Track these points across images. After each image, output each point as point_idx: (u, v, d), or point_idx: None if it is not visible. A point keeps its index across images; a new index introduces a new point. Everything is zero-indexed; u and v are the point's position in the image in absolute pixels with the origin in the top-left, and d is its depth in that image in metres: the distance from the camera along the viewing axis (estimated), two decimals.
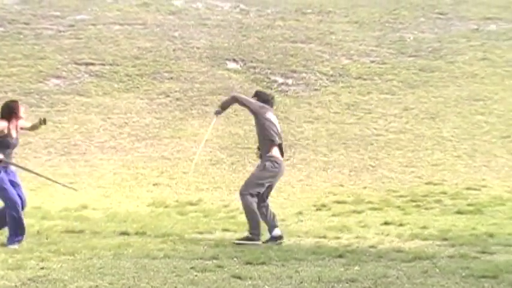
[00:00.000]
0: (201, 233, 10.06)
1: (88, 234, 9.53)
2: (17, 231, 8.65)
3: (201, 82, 20.28)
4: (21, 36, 22.87)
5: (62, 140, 16.73)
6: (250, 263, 7.59)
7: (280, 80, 20.87)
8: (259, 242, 9.19)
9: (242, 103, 9.72)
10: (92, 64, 21.13)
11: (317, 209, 13.21)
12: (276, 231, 9.44)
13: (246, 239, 9.26)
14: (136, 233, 9.78)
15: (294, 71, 21.32)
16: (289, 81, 20.84)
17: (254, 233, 9.26)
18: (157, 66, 21.12)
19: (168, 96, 19.43)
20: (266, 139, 9.44)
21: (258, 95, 9.99)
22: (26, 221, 10.19)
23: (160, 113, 18.48)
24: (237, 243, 9.08)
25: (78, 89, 19.60)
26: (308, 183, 15.16)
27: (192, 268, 7.20)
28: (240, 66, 21.56)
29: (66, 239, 8.94)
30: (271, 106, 9.93)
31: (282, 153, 9.68)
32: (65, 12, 25.03)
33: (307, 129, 17.93)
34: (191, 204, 13.12)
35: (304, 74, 21.19)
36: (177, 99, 19.28)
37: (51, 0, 26.12)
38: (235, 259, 7.82)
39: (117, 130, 17.39)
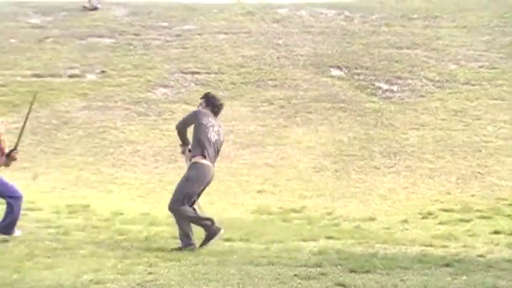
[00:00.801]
0: (304, 240, 9.96)
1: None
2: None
3: (304, 89, 20.24)
4: (131, 47, 23.45)
5: (169, 148, 16.97)
6: (354, 271, 7.47)
7: (385, 86, 20.60)
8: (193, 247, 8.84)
9: (185, 125, 9.27)
10: (198, 73, 21.43)
11: (423, 217, 12.90)
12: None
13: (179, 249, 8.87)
14: (241, 240, 9.77)
15: (399, 77, 21.02)
16: (394, 87, 20.55)
17: (187, 243, 8.88)
18: (262, 74, 21.21)
19: (272, 103, 19.47)
20: (196, 144, 9.02)
21: (206, 97, 9.49)
22: (135, 227, 10.45)
23: (264, 120, 18.53)
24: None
25: (185, 98, 19.89)
26: (413, 191, 14.86)
27: (295, 275, 7.15)
28: (344, 73, 21.40)
29: (173, 245, 9.01)
30: (216, 111, 9.42)
31: (214, 156, 9.20)
32: (173, 22, 25.52)
33: (412, 136, 17.61)
34: (295, 211, 13.05)
35: (409, 80, 20.86)
36: (281, 106, 19.30)
37: (159, 11, 26.69)
38: (339, 267, 7.72)
39: None
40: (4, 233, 9.03)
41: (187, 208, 8.90)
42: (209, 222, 9.03)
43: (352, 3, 27.39)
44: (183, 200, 8.89)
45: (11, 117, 18.84)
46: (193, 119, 9.18)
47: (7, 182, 9.27)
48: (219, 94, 10.42)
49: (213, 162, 9.09)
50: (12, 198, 9.14)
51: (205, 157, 8.96)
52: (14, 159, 9.32)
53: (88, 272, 6.96)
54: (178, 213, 8.91)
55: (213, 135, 9.06)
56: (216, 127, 9.15)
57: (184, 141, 9.29)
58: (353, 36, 24.00)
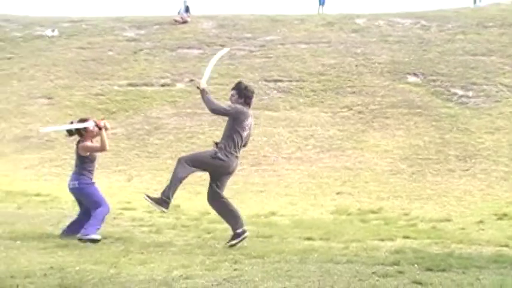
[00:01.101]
0: (382, 239, 9.83)
1: (276, 239, 9.57)
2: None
3: (382, 96, 20.04)
4: None
5: (253, 152, 17.05)
6: (430, 270, 7.33)
7: (461, 92, 20.21)
8: (165, 210, 8.70)
9: (217, 113, 9.33)
10: (280, 81, 21.47)
11: (498, 218, 12.55)
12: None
13: (156, 200, 8.65)
14: (321, 239, 9.71)
15: (474, 83, 20.60)
16: (470, 93, 20.14)
17: (166, 199, 8.64)
18: (341, 82, 21.12)
19: (351, 109, 19.35)
20: (229, 138, 8.76)
21: (239, 89, 9.10)
22: (221, 226, 10.49)
23: (343, 125, 18.43)
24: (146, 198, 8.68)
25: (268, 104, 19.95)
26: (489, 193, 14.50)
27: (373, 273, 7.06)
28: (421, 79, 21.11)
29: (257, 243, 9.02)
30: (249, 102, 9.04)
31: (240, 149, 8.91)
32: (256, 33, 25.66)
33: (487, 140, 17.21)
34: (372, 212, 12.92)
35: (484, 86, 20.42)
36: (359, 112, 19.16)
37: (244, 23, 26.88)
38: (415, 265, 7.58)
39: (303, 142, 17.52)
40: (84, 234, 8.55)
41: (187, 169, 8.78)
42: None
43: (428, 13, 27.03)
44: (191, 163, 8.80)
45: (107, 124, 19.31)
46: (229, 114, 8.89)
47: (98, 192, 8.98)
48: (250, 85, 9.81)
49: (238, 156, 8.88)
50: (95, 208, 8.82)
51: (232, 153, 8.77)
52: (105, 128, 9.15)
53: (178, 267, 7.03)
54: (179, 166, 8.77)
55: (245, 132, 8.86)
56: (248, 121, 8.86)
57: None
58: (429, 44, 23.67)
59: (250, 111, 9.00)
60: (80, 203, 9.07)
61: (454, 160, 16.17)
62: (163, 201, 8.61)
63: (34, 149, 17.91)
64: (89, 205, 8.85)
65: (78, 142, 8.94)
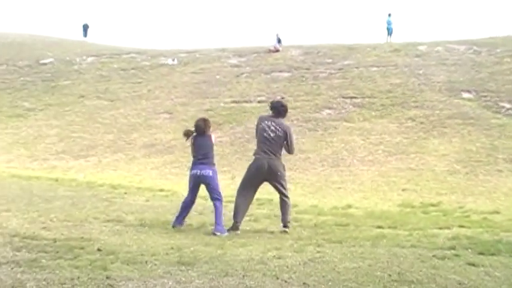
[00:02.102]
0: (440, 228, 9.59)
1: (352, 227, 9.50)
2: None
3: (440, 109, 19.60)
4: (303, 78, 23.71)
5: (333, 156, 16.98)
6: (482, 254, 7.13)
7: (508, 105, 19.53)
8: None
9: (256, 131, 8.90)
10: (355, 97, 21.29)
11: None
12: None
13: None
14: (389, 227, 9.56)
15: None
16: None
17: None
18: (405, 98, 20.77)
19: (414, 120, 19.00)
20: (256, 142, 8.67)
21: (271, 105, 8.94)
22: (307, 216, 10.48)
23: (407, 134, 18.11)
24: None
25: (345, 117, 19.83)
26: None
27: (433, 256, 6.93)
28: (473, 95, 20.52)
29: (336, 230, 8.97)
30: (277, 113, 8.73)
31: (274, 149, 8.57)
32: (335, 59, 25.55)
33: None
34: (432, 205, 12.62)
35: None
36: (421, 122, 18.79)
37: (326, 51, 26.80)
38: (469, 250, 7.39)
39: (374, 147, 17.31)
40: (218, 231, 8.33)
41: (240, 192, 8.71)
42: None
43: (480, 40, 26.23)
44: (241, 185, 8.77)
45: (215, 133, 19.63)
46: (256, 124, 8.83)
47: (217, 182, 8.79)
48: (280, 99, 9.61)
49: (270, 154, 8.54)
50: (218, 196, 8.74)
51: (257, 153, 8.65)
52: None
53: (272, 249, 7.08)
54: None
55: (269, 134, 8.55)
56: (272, 126, 8.57)
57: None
58: (480, 66, 22.99)
59: (271, 118, 8.75)
60: (194, 191, 8.83)
61: (502, 162, 15.64)
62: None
63: (158, 153, 18.38)
64: (214, 192, 8.73)
65: (205, 135, 8.75)
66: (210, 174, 8.67)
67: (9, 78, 28.59)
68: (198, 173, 8.64)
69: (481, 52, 24.57)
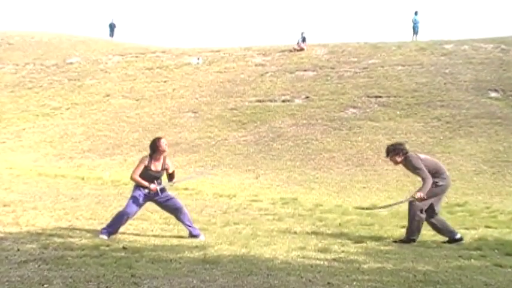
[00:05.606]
0: (467, 228, 9.50)
1: (376, 226, 9.45)
2: (110, 225, 7.64)
3: (467, 108, 19.39)
4: (328, 77, 23.63)
5: (357, 155, 16.92)
6: (509, 255, 7.05)
7: None
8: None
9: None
10: (380, 97, 21.16)
11: None
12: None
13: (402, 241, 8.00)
14: None
15: None
16: None
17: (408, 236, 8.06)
18: (431, 97, 20.59)
19: (440, 120, 18.83)
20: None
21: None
22: (331, 216, 10.45)
23: (433, 133, 17.96)
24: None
25: (369, 116, 19.72)
26: None
27: (459, 256, 6.88)
28: (500, 94, 20.26)
29: (360, 230, 8.94)
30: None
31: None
32: (361, 58, 25.40)
33: None
34: (458, 205, 12.50)
35: None
36: (447, 122, 18.61)
37: (351, 50, 26.67)
38: (496, 251, 7.32)
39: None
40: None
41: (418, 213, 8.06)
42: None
43: (507, 38, 25.86)
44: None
45: (240, 133, 19.67)
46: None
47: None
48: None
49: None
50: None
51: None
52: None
53: (296, 249, 7.09)
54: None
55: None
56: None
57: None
58: (508, 64, 22.68)
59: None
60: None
61: None
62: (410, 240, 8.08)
63: (183, 152, 18.46)
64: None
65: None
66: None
67: (36, 77, 28.97)
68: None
69: (509, 50, 24.23)
